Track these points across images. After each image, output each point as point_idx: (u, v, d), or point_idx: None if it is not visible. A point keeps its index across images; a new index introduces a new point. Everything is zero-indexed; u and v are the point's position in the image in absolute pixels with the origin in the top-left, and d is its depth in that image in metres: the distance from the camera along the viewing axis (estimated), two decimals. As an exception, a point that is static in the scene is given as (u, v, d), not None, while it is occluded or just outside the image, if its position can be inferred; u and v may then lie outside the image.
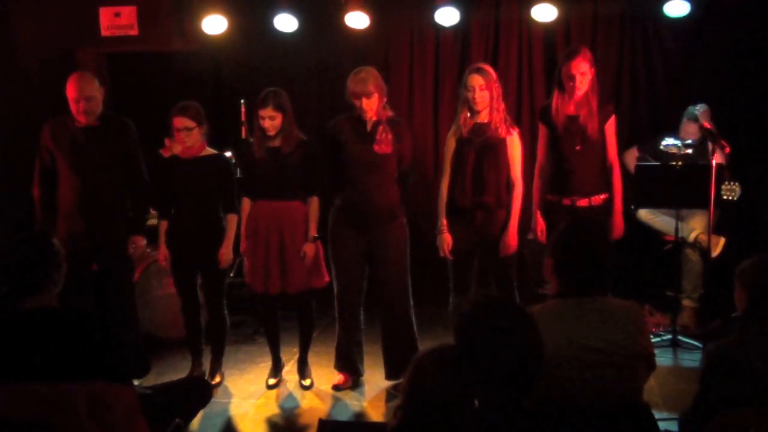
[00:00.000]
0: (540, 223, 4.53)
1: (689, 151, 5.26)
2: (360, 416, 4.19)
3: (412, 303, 4.47)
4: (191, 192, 4.36)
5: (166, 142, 5.50)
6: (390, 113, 4.36)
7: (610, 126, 4.48)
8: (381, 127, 4.25)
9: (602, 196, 4.48)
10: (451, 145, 4.39)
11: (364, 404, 4.31)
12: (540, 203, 4.58)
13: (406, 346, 4.31)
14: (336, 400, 4.37)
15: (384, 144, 4.24)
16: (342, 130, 4.33)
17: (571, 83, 4.33)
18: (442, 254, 4.39)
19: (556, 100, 4.45)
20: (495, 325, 2.04)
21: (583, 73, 4.30)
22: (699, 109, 5.32)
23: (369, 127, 4.27)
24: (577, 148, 4.40)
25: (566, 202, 4.46)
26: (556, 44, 6.08)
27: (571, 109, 4.41)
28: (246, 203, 4.41)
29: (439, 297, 4.94)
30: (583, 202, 4.44)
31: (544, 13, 5.56)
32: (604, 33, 5.99)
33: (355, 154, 4.27)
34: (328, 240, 4.43)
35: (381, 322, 4.48)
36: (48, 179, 4.39)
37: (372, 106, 4.20)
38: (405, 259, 4.41)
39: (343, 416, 4.16)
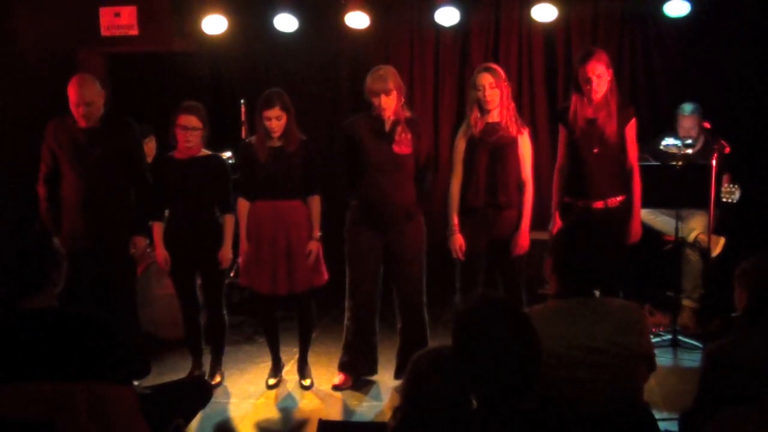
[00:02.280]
0: (557, 224, 4.49)
1: (689, 151, 5.26)
2: (362, 416, 4.18)
3: (425, 302, 4.44)
4: (187, 192, 4.34)
5: None
6: (408, 113, 4.32)
7: (631, 129, 4.40)
8: (400, 127, 4.21)
9: (619, 198, 4.41)
10: (461, 145, 4.34)
11: (365, 404, 4.31)
12: (558, 204, 4.55)
13: (419, 346, 4.28)
14: (336, 400, 4.36)
15: (403, 144, 4.21)
16: (359, 129, 4.28)
17: (588, 86, 4.27)
18: (454, 255, 4.35)
19: (574, 103, 4.38)
20: (491, 325, 2.04)
21: (599, 75, 4.24)
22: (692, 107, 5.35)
23: (387, 127, 4.23)
24: (595, 150, 4.34)
25: (581, 204, 4.42)
26: (556, 44, 6.09)
27: (589, 112, 4.35)
28: (242, 204, 4.37)
29: (445, 296, 4.93)
30: (598, 205, 4.39)
31: (544, 13, 5.57)
32: (604, 33, 5.99)
33: (374, 153, 4.23)
34: (345, 239, 4.39)
35: (399, 321, 4.45)
36: (52, 179, 4.39)
37: (391, 103, 4.17)
38: (422, 259, 4.38)
39: (343, 416, 4.16)
